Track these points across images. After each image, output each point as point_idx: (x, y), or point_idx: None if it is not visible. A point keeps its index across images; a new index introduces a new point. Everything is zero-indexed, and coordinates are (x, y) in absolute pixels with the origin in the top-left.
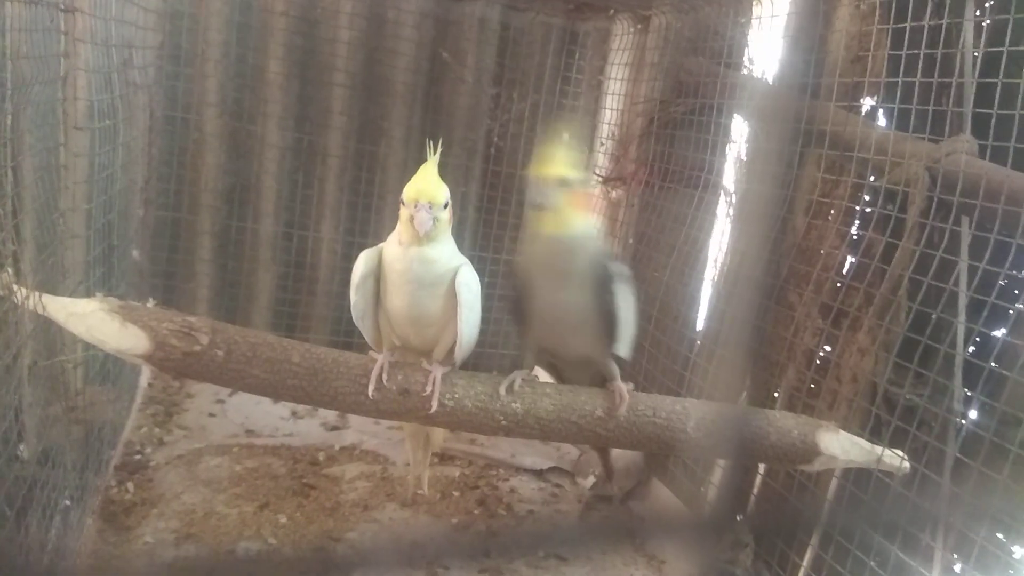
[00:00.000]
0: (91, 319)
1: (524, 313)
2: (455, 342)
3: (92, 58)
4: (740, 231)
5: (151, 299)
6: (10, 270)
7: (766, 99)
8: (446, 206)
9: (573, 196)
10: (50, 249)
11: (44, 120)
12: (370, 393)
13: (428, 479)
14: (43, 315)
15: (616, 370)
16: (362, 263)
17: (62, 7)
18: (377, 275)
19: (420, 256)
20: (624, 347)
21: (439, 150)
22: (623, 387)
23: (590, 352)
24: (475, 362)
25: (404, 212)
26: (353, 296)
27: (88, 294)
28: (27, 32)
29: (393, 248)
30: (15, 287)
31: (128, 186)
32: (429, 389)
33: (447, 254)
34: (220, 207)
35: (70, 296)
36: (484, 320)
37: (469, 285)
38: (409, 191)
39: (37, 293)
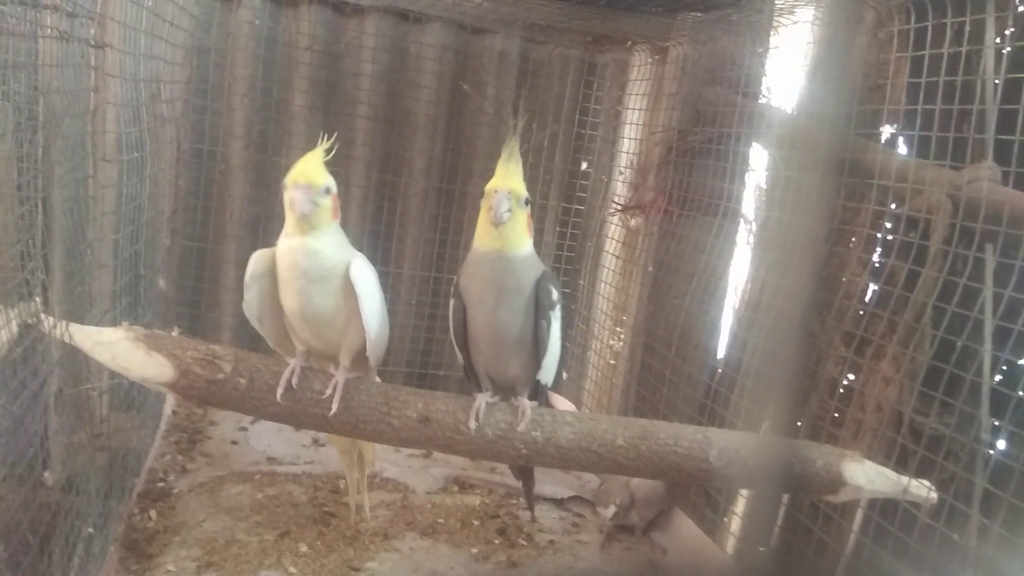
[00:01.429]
0: (117, 348)
1: (464, 333)
2: (363, 344)
3: (121, 92)
4: (780, 267)
5: (176, 328)
6: (38, 299)
7: (802, 131)
8: (328, 191)
9: (524, 215)
10: (78, 278)
11: (74, 152)
12: (278, 397)
13: (371, 505)
14: (70, 344)
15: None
16: (254, 261)
17: (93, 43)
18: (274, 275)
19: (304, 247)
20: (547, 375)
21: (329, 141)
22: (527, 403)
23: (518, 374)
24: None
25: (286, 197)
26: (246, 295)
27: (114, 323)
28: (58, 67)
29: (281, 242)
30: (43, 316)
31: (155, 217)
32: (328, 392)
33: (334, 245)
34: (245, 237)
35: (96, 325)
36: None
37: (365, 276)
38: (290, 173)
39: (64, 322)
